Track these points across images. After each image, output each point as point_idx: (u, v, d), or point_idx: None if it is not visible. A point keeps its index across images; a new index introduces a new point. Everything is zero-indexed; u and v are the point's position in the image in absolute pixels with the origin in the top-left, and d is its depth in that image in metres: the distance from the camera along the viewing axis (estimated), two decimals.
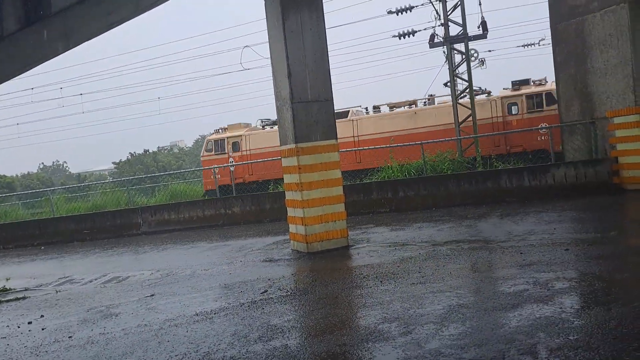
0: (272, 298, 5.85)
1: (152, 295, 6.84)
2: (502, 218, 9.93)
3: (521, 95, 18.35)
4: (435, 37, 17.69)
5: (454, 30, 17.59)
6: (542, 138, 16.79)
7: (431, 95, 20.65)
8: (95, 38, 8.17)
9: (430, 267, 6.44)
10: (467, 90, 17.49)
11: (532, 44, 25.16)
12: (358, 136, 20.25)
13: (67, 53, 8.30)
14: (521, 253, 6.64)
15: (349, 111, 21.07)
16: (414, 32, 19.18)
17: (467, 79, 17.44)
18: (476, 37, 17.33)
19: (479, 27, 17.38)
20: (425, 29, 18.45)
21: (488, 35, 17.39)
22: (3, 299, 7.67)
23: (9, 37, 6.41)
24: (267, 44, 9.16)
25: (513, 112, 18.39)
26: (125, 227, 16.01)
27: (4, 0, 6.34)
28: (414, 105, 20.44)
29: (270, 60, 9.15)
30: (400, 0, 19.25)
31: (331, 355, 3.89)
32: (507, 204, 11.58)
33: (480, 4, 17.40)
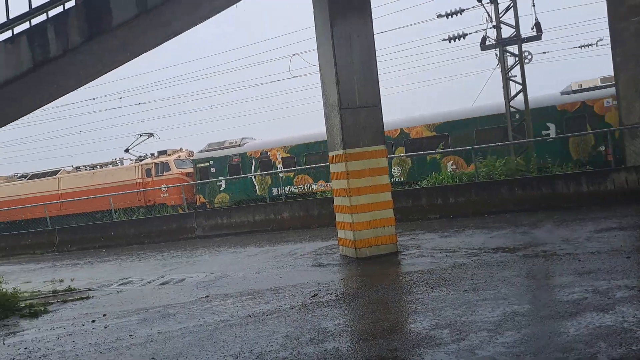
0: (322, 302, 5.92)
1: (207, 296, 7.05)
2: (558, 224, 9.62)
3: (150, 163, 24.32)
4: (487, 39, 17.35)
5: (506, 32, 17.21)
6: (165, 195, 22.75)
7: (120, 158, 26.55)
8: (152, 49, 8.58)
9: (482, 274, 6.34)
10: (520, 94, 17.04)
11: (590, 45, 24.24)
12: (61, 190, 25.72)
13: (126, 64, 8.75)
14: (579, 260, 6.43)
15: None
16: (464, 35, 18.89)
17: (520, 81, 17.00)
18: (530, 39, 16.86)
19: (532, 29, 16.91)
20: (476, 32, 18.14)
21: (542, 37, 16.89)
22: (68, 299, 8.10)
23: (74, 50, 6.77)
24: (316, 51, 9.29)
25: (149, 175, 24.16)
26: (180, 231, 16.54)
27: (70, 15, 6.71)
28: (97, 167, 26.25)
29: (318, 67, 9.27)
30: (450, 4, 18.92)
31: None
32: (563, 210, 11.19)
33: (533, 5, 16.91)
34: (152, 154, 25.09)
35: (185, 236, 16.33)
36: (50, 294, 8.70)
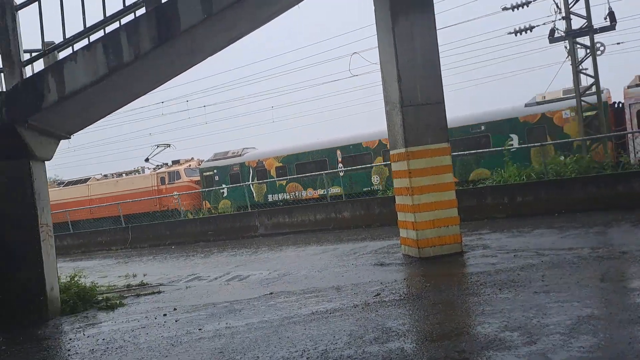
0: (385, 301, 5.88)
1: (271, 293, 7.18)
2: (635, 225, 9.06)
3: (164, 172, 26.30)
4: (556, 31, 16.59)
5: (576, 23, 16.39)
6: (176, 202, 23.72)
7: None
8: (217, 52, 8.82)
9: (554, 276, 6.07)
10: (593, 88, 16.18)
11: None
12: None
13: (192, 68, 9.04)
14: None
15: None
16: (531, 28, 18.18)
17: (592, 74, 16.14)
18: (602, 29, 15.97)
19: (605, 18, 16.02)
20: (544, 24, 17.40)
21: (617, 27, 15.94)
22: (142, 293, 8.50)
23: (145, 56, 7.07)
24: (376, 49, 9.22)
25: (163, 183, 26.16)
26: (244, 230, 16.95)
27: (140, 22, 7.01)
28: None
29: (379, 65, 9.20)
30: None
31: None
32: None
33: None
34: (165, 164, 27.36)
35: (248, 234, 16.72)
36: (125, 288, 9.16)
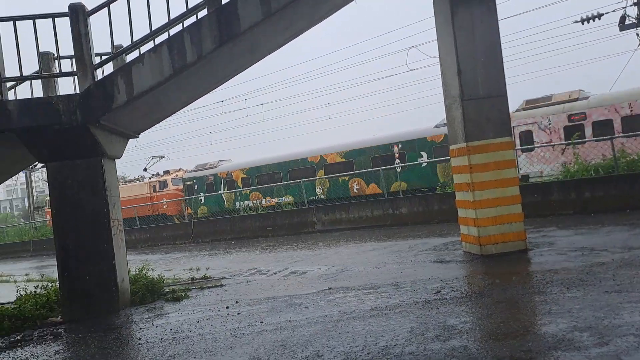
0: (446, 299, 5.79)
1: (330, 289, 7.24)
2: None
3: (155, 181, 29.91)
4: (627, 18, 15.69)
5: None
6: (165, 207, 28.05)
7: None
8: (276, 51, 8.96)
9: (626, 275, 5.77)
10: None
11: None
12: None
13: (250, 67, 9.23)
14: None
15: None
16: (599, 15, 17.27)
17: None
18: None
19: None
20: (614, 11, 16.50)
21: None
22: (205, 286, 8.79)
23: (207, 56, 7.28)
24: (435, 42, 9.06)
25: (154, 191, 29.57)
26: (301, 226, 17.14)
27: (203, 23, 7.22)
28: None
29: (438, 58, 9.04)
30: None
31: None
32: None
33: None
34: (158, 173, 31.04)
35: (305, 230, 16.89)
36: (189, 281, 9.50)
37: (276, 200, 23.34)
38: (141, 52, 7.43)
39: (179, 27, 7.58)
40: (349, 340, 4.66)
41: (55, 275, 7.71)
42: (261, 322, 5.77)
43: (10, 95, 7.32)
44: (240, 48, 7.79)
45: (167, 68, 7.15)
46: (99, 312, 7.16)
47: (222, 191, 25.98)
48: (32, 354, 5.69)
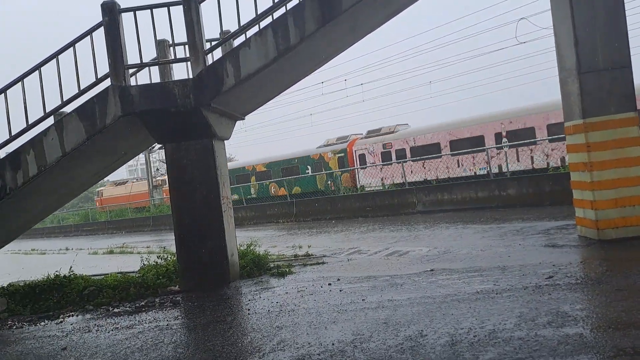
0: (559, 284, 5.46)
1: (432, 270, 7.13)
2: None
3: (158, 179, 38.99)
4: None
5: None
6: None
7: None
8: (376, 29, 8.86)
9: None
10: None
11: None
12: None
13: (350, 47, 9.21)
14: None
15: None
16: None
17: None
18: None
19: None
20: None
21: None
22: (307, 263, 9.06)
23: (310, 37, 7.37)
24: (548, 12, 8.43)
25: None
26: (401, 206, 17.01)
27: (306, 4, 7.30)
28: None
29: (552, 29, 8.42)
30: None
31: (639, 352, 3.45)
32: None
33: None
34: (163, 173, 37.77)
35: (406, 211, 16.73)
36: (293, 258, 9.84)
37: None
38: (247, 37, 7.70)
39: (282, 10, 7.74)
40: (453, 322, 4.57)
41: (173, 248, 8.36)
42: (363, 299, 5.84)
43: (132, 81, 7.93)
44: (341, 28, 7.80)
45: (272, 50, 7.35)
46: (212, 283, 7.66)
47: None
48: (154, 319, 6.24)
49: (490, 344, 3.92)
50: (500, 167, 19.09)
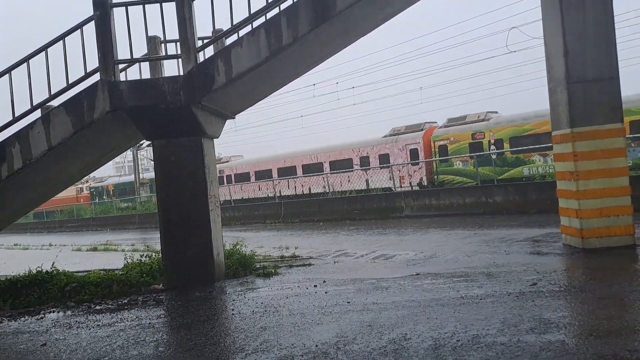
0: (542, 292, 5.50)
1: (417, 274, 7.15)
2: None
3: None
4: None
5: None
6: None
7: None
8: (368, 33, 8.87)
9: None
10: None
11: None
12: None
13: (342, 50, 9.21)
14: None
15: None
16: None
17: None
18: None
19: None
20: None
21: None
22: (294, 264, 9.03)
23: (302, 38, 7.36)
24: (539, 22, 8.53)
25: None
26: (389, 210, 17.05)
27: (300, 5, 7.30)
28: None
29: (543, 39, 8.50)
30: None
31: None
32: None
33: None
34: None
35: (393, 215, 16.77)
36: (279, 259, 9.81)
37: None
38: (240, 35, 7.68)
39: (276, 11, 7.73)
40: (437, 326, 4.58)
41: (158, 246, 8.29)
42: (348, 302, 5.83)
43: (121, 77, 7.86)
44: (335, 29, 7.80)
45: (264, 50, 7.33)
46: (197, 282, 7.60)
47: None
48: (137, 317, 6.18)
49: (473, 348, 3.93)
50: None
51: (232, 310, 6.03)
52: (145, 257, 8.86)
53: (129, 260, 8.90)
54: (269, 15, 7.76)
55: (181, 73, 7.60)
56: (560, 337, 4.01)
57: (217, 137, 8.62)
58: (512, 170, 19.45)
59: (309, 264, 8.93)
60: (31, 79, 7.67)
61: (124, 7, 7.42)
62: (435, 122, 24.00)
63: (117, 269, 8.97)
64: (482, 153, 19.77)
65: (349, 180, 23.92)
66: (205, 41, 8.13)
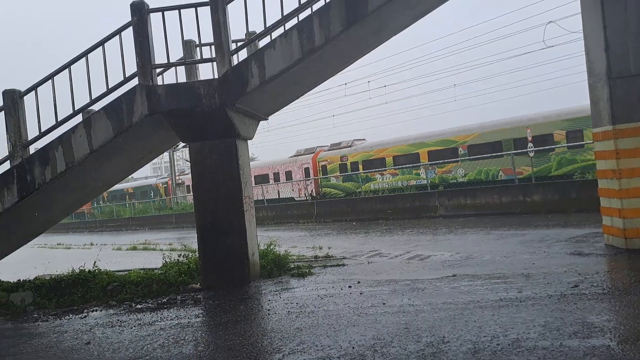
0: (585, 294, 5.35)
1: (454, 275, 7.05)
2: None
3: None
4: None
5: None
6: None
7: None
8: (400, 32, 8.80)
9: None
10: None
11: None
12: None
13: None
14: None
15: None
16: None
17: None
18: None
19: None
20: None
21: None
22: (328, 264, 9.04)
23: (335, 38, 7.35)
24: (578, 15, 8.29)
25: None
26: (423, 209, 16.87)
27: (331, 6, 7.29)
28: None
29: (582, 33, 8.26)
30: None
31: None
32: None
33: None
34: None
35: (427, 214, 16.59)
36: (313, 259, 9.85)
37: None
38: (272, 38, 7.73)
39: (308, 12, 7.75)
40: (476, 329, 4.51)
41: (195, 246, 8.43)
42: (383, 303, 5.80)
43: (158, 81, 8.03)
44: (366, 29, 7.77)
45: (297, 52, 7.36)
46: (232, 282, 7.70)
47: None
48: (176, 316, 6.30)
49: (514, 352, 3.85)
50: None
51: (268, 310, 6.08)
52: (183, 256, 9.03)
53: (168, 260, 9.09)
54: (301, 17, 7.79)
55: (216, 76, 7.71)
56: (605, 342, 3.89)
57: (251, 139, 8.70)
58: (365, 184, 24.29)
59: (343, 264, 8.93)
60: (73, 84, 7.91)
61: (161, 13, 7.57)
62: (327, 146, 29.73)
63: (155, 268, 9.17)
64: (347, 173, 26.57)
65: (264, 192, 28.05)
66: (239, 44, 8.23)
